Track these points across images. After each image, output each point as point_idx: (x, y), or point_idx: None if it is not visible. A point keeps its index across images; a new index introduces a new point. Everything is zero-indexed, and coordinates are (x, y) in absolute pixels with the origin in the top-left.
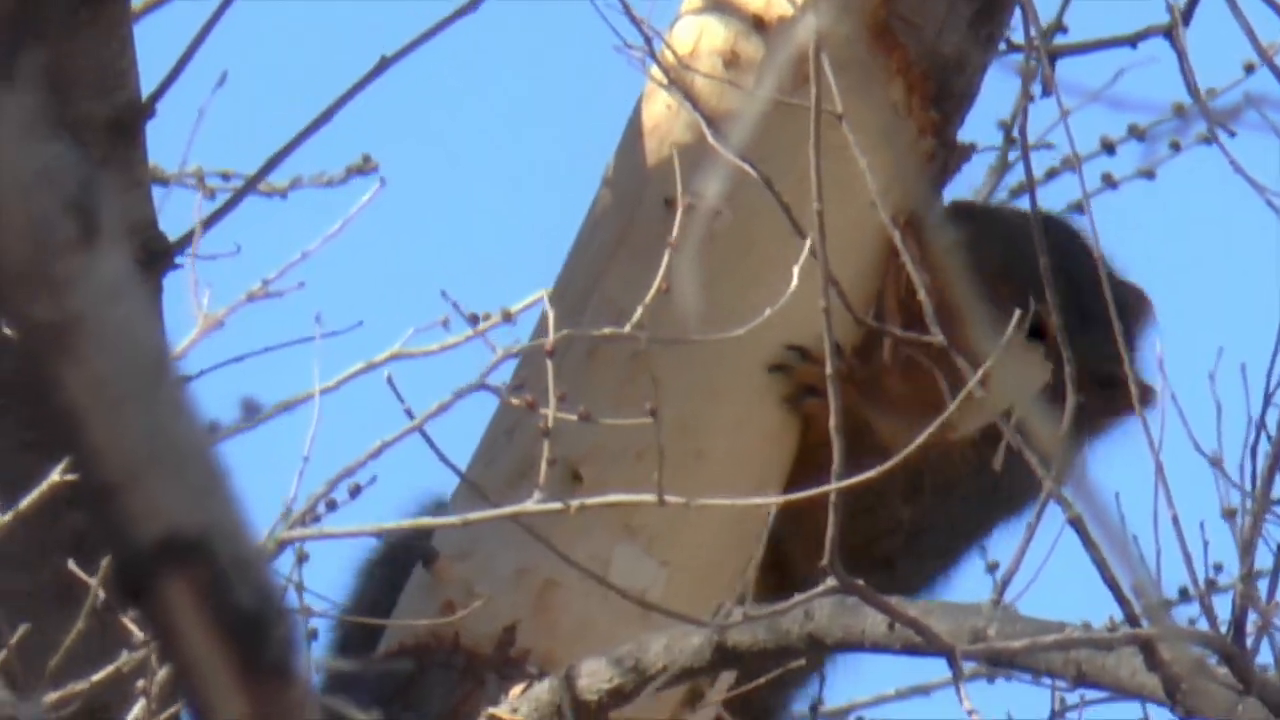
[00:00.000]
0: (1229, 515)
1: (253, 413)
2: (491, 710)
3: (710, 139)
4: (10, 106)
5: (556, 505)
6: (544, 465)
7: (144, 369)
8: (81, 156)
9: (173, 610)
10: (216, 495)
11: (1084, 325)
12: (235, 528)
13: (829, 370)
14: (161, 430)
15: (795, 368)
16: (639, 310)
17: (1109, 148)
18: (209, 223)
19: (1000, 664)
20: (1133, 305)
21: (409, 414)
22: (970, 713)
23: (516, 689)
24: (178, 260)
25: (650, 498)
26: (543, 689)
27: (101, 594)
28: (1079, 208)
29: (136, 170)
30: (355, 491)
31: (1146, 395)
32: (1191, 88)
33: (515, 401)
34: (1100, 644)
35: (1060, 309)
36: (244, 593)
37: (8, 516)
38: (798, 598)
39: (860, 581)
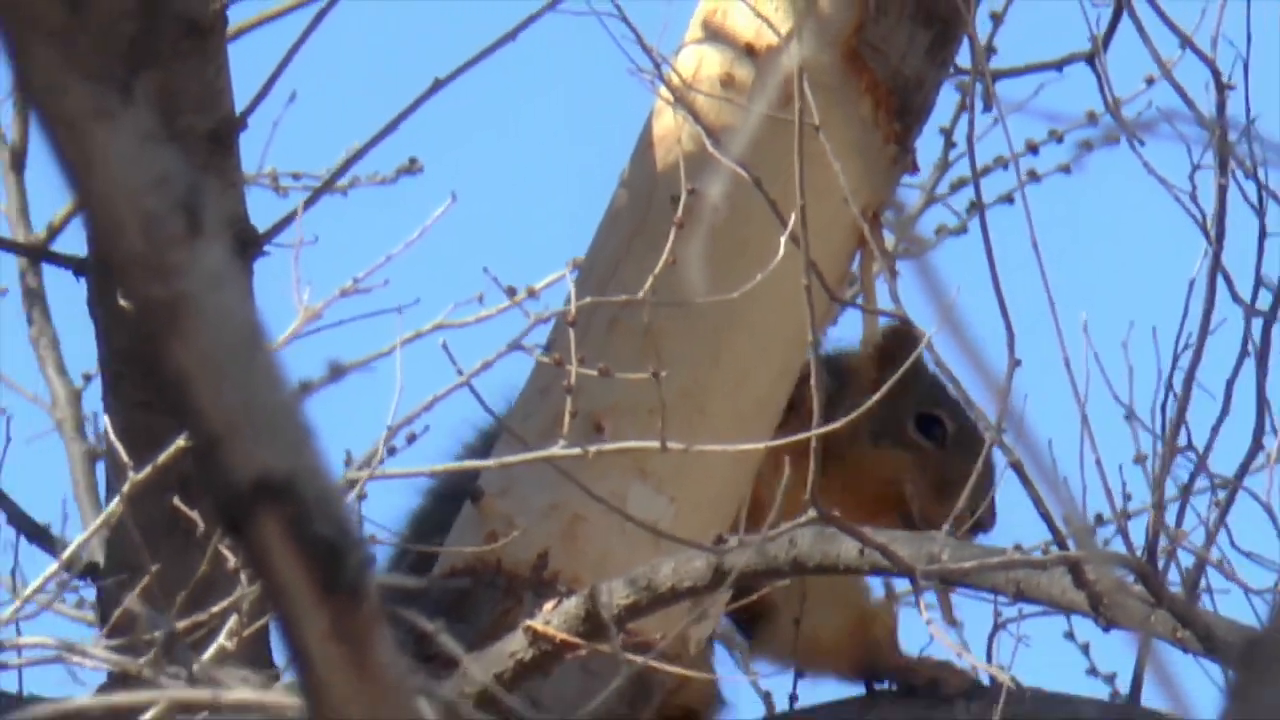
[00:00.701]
0: (1140, 460)
1: (337, 372)
2: (528, 623)
3: (710, 148)
4: (129, 121)
5: (577, 450)
6: (567, 417)
7: (241, 342)
8: (188, 163)
9: (265, 541)
10: (301, 445)
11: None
12: (317, 471)
13: (810, 338)
14: (256, 392)
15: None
16: (649, 281)
17: (1031, 150)
18: (291, 217)
19: (952, 583)
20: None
21: (458, 371)
22: (928, 623)
23: (549, 605)
24: (266, 249)
25: (654, 444)
26: (571, 605)
27: (203, 526)
28: (1009, 199)
29: (231, 174)
30: (411, 439)
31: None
32: (1110, 106)
33: (544, 359)
34: (1035, 565)
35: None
36: (324, 526)
37: (146, 471)
38: (783, 527)
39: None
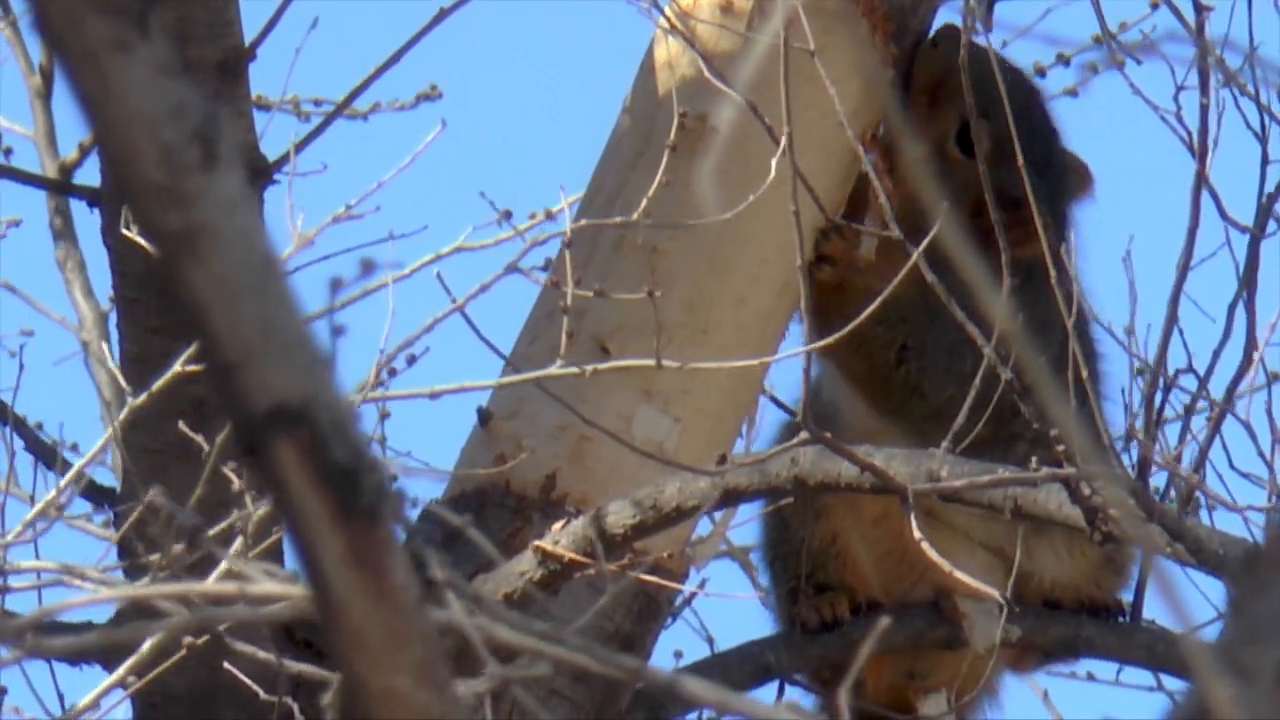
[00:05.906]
0: (1140, 373)
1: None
2: (536, 543)
3: (707, 74)
4: (146, 53)
5: (574, 370)
6: (564, 338)
7: (256, 269)
8: (203, 94)
9: (282, 466)
10: (316, 371)
11: (1009, 159)
12: (332, 397)
13: (798, 262)
14: (271, 319)
15: (826, 240)
16: (644, 202)
17: (1039, 74)
18: (301, 146)
19: (951, 500)
20: (1075, 171)
21: (451, 298)
22: (919, 541)
23: (557, 525)
24: (276, 177)
25: (650, 363)
26: (578, 525)
27: (210, 450)
28: None
29: (241, 103)
30: (411, 361)
31: (1084, 180)
32: (1104, 32)
33: (540, 281)
34: (1025, 482)
35: (999, 139)
36: (340, 451)
37: (143, 398)
38: (783, 445)
39: (828, 435)
